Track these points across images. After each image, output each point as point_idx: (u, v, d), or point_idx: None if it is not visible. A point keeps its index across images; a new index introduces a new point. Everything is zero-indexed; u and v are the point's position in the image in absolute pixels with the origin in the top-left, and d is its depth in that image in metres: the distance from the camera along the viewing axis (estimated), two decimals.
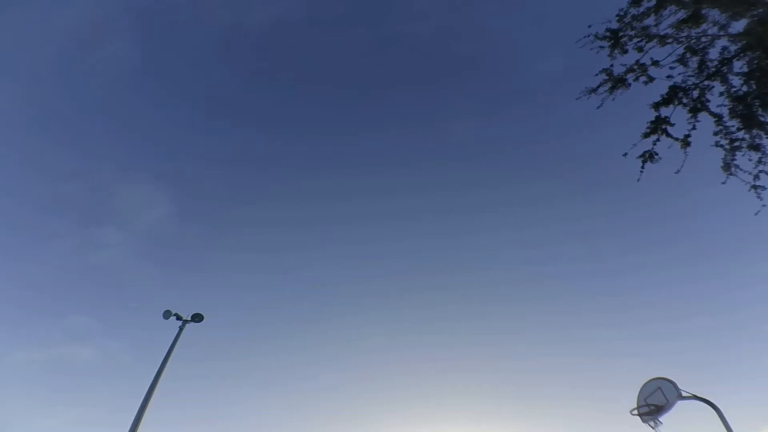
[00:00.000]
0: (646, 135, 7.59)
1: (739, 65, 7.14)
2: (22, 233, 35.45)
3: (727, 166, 7.22)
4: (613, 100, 7.78)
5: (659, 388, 9.56)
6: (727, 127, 7.25)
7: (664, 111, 7.56)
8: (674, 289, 37.66)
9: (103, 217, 40.54)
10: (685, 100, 7.49)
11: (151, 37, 40.57)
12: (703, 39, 7.27)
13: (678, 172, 7.50)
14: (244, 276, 42.79)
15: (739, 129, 7.18)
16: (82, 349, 34.27)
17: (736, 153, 7.19)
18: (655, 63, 7.57)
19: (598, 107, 7.80)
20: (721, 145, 7.26)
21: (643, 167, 7.75)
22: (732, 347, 33.06)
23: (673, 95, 7.48)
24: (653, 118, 7.59)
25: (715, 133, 7.30)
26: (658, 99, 7.54)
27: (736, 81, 7.20)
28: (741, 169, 7.13)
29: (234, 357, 37.71)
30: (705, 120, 7.38)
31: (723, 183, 7.22)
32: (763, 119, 7.01)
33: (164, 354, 11.00)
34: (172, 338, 11.41)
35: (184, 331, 11.05)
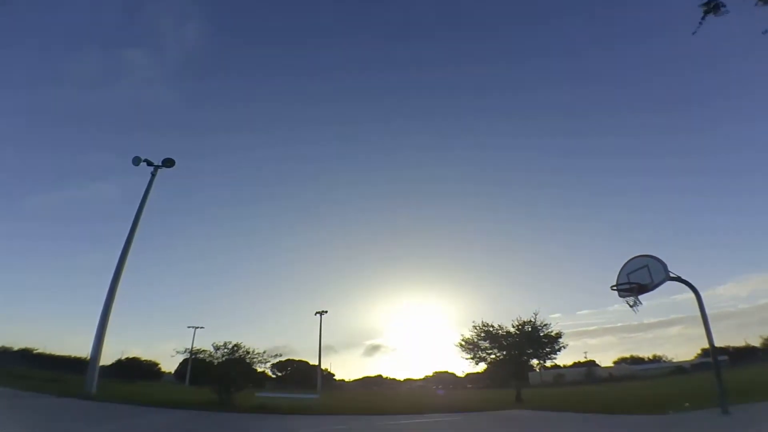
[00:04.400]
0: None
1: None
2: None
3: None
4: None
5: (647, 265, 9.32)
6: None
7: None
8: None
9: None
10: None
11: None
12: None
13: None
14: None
15: None
16: (104, 186, 33.36)
17: None
18: None
19: None
20: None
21: (703, 18, 6.37)
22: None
23: None
24: None
25: None
26: None
27: None
28: None
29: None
30: None
31: None
32: None
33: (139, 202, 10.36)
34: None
35: (156, 178, 10.24)
